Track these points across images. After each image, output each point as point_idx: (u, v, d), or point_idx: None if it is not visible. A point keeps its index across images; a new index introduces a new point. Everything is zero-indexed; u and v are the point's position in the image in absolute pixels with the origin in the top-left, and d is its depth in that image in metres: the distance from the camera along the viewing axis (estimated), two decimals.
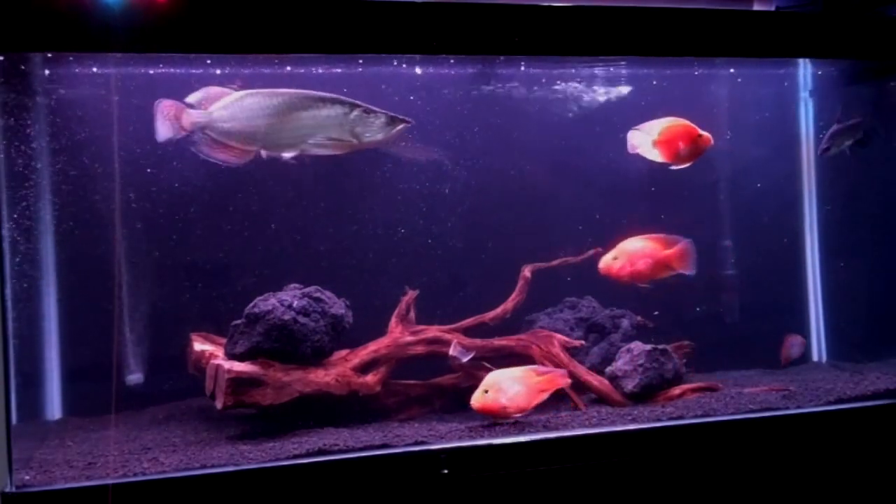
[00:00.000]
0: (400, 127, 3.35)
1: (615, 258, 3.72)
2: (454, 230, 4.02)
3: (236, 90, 3.26)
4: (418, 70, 3.88)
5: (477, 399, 3.24)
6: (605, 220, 4.17)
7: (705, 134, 3.65)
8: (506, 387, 3.27)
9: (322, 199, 3.93)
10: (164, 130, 3.21)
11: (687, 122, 3.65)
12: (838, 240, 4.47)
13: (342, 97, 3.30)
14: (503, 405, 3.25)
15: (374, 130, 3.31)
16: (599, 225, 4.12)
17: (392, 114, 3.34)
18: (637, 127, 3.66)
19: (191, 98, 3.24)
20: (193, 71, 3.54)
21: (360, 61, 3.67)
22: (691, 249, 3.73)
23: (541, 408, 3.64)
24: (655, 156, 3.65)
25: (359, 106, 3.30)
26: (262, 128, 3.23)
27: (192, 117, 3.21)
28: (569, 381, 3.48)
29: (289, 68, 3.66)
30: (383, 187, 3.95)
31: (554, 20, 3.29)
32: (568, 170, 4.20)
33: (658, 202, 4.24)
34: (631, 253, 3.72)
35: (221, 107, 3.22)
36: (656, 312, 4.10)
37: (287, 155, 3.30)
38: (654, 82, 4.21)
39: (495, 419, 3.31)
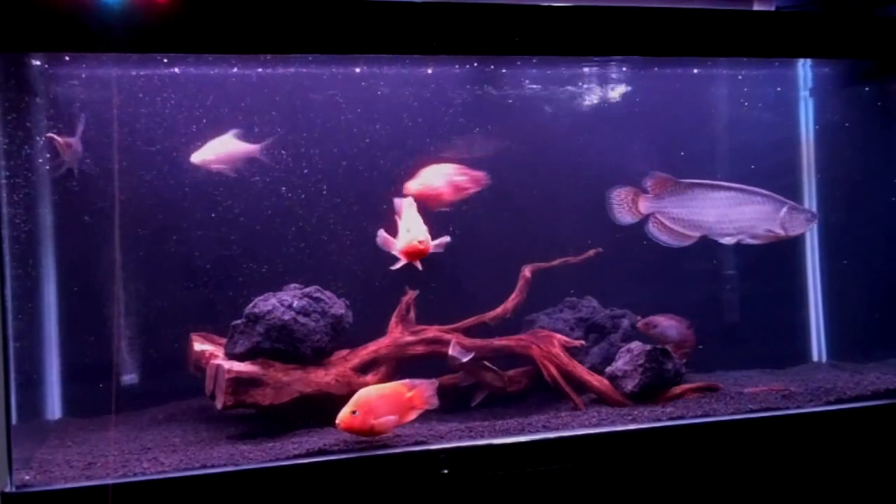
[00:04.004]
0: (814, 221, 3.86)
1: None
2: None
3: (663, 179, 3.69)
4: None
5: (343, 419, 3.03)
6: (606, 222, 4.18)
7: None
8: (375, 406, 3.09)
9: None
10: (622, 216, 3.72)
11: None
12: (838, 240, 4.47)
13: (775, 195, 3.71)
14: (371, 426, 3.07)
15: (799, 225, 3.72)
16: (601, 228, 4.12)
17: (810, 210, 3.88)
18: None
19: (645, 183, 3.69)
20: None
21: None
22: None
23: (541, 408, 3.65)
24: None
25: (787, 203, 3.70)
26: (709, 218, 3.68)
27: (647, 202, 3.69)
28: (436, 403, 3.22)
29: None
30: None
31: (554, 20, 3.29)
32: (571, 171, 4.18)
33: None
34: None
35: (672, 195, 3.66)
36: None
37: (725, 241, 3.72)
38: (652, 80, 4.22)
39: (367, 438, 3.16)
